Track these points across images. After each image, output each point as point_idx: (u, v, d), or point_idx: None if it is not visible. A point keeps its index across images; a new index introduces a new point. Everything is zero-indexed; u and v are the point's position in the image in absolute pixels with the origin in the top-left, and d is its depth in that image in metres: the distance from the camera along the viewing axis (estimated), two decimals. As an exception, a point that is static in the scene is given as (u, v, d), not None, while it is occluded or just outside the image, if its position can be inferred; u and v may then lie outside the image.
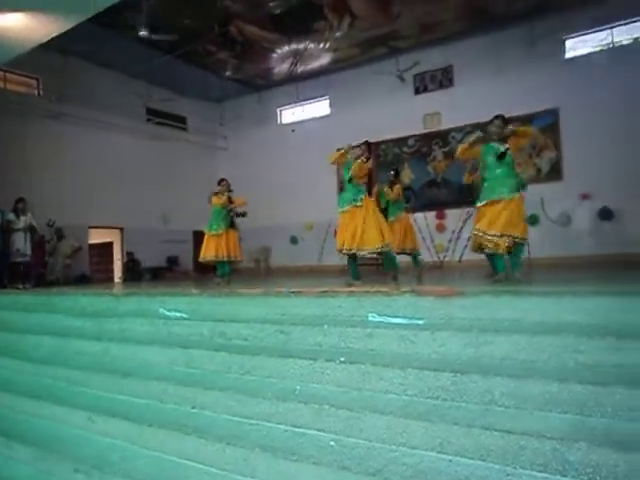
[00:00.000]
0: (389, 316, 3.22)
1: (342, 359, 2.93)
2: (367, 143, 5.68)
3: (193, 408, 3.20)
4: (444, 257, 11.94)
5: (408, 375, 2.65)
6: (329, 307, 3.52)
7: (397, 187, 7.20)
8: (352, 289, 3.95)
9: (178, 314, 4.30)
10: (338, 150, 5.49)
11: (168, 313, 4.38)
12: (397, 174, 7.62)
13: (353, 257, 5.48)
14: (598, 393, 2.19)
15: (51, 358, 4.49)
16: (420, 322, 3.06)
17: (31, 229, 8.51)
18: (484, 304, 2.95)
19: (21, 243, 8.34)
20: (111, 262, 13.63)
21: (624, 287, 3.64)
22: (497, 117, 4.76)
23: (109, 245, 13.59)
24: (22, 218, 8.38)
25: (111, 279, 13.24)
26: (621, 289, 3.30)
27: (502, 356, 2.62)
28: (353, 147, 5.52)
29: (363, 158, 5.42)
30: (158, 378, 3.49)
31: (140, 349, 3.96)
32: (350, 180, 5.35)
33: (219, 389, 3.17)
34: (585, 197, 10.50)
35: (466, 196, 11.99)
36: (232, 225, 7.43)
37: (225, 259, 7.24)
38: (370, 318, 3.28)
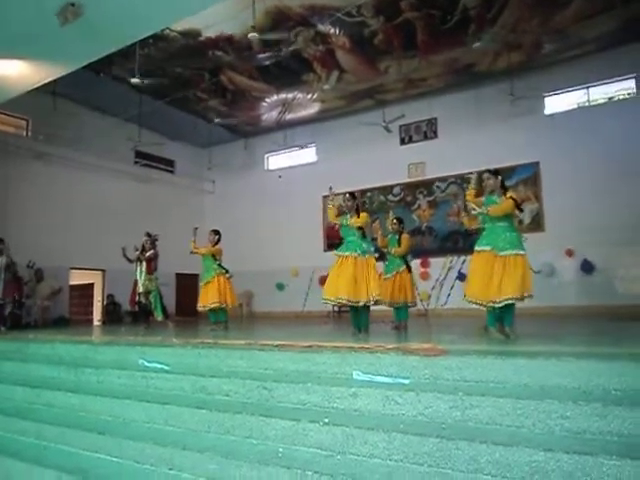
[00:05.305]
0: (374, 374, 3.18)
1: (326, 420, 2.87)
2: (353, 195, 5.61)
3: (170, 470, 3.07)
4: (428, 305, 11.95)
5: (393, 439, 2.60)
6: (313, 363, 3.47)
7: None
8: (336, 345, 3.89)
9: (159, 366, 4.19)
10: (329, 202, 5.51)
11: (148, 364, 4.27)
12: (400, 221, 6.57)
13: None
14: (585, 463, 2.15)
15: (21, 411, 4.31)
16: (405, 382, 3.02)
17: (7, 267, 8.13)
18: (469, 365, 2.93)
19: None
20: (91, 304, 13.36)
21: (605, 348, 3.66)
22: (488, 171, 4.66)
23: (90, 287, 13.35)
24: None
25: (90, 322, 12.93)
26: (603, 351, 3.31)
27: (487, 421, 2.58)
28: (336, 194, 5.54)
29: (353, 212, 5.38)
30: (134, 436, 3.36)
31: (117, 403, 3.82)
32: (358, 229, 5.25)
33: (198, 450, 3.05)
34: (569, 253, 10.71)
35: (449, 244, 12.28)
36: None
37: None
38: (355, 376, 3.23)
